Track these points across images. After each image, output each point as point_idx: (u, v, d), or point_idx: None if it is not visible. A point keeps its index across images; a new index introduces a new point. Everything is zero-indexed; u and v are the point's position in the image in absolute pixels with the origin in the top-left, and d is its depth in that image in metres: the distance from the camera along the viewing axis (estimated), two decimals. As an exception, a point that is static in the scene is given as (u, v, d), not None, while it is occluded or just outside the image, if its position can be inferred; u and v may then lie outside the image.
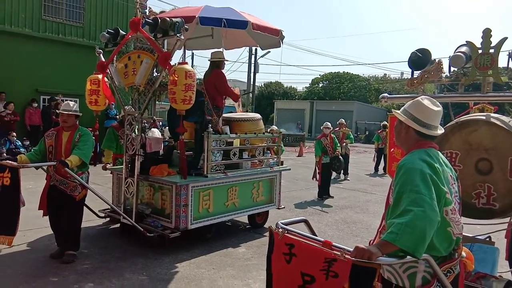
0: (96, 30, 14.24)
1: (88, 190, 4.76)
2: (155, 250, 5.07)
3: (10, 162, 4.49)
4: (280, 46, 6.79)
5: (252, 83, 26.19)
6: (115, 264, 4.64)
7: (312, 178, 9.32)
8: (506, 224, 3.61)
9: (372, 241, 2.68)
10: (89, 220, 5.84)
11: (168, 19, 4.78)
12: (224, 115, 6.31)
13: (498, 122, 3.23)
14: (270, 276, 2.28)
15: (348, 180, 12.16)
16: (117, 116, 11.54)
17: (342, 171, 12.09)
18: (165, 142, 6.22)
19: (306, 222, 2.59)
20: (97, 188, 5.58)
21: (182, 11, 5.94)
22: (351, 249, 1.90)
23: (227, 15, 5.56)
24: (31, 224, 5.49)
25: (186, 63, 5.01)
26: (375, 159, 14.12)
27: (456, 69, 3.62)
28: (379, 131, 14.47)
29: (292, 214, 7.45)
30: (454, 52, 3.55)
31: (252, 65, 25.49)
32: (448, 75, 3.76)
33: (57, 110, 10.05)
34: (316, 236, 2.25)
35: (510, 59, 3.50)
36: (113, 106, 13.08)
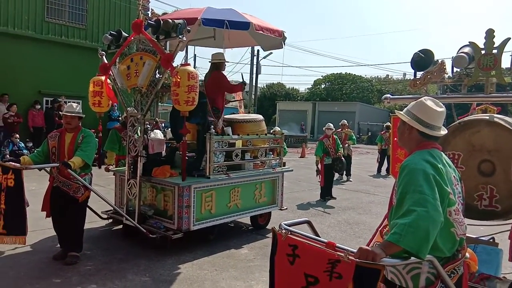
0: (99, 32, 14.29)
1: (91, 191, 4.77)
2: (157, 252, 5.07)
3: (13, 163, 4.51)
4: (282, 47, 6.79)
5: (254, 84, 26.22)
6: (118, 266, 4.64)
7: (317, 175, 9.28)
8: (509, 225, 3.59)
9: (370, 239, 2.67)
10: (92, 222, 5.84)
11: (170, 20, 4.79)
12: (227, 116, 6.32)
13: (502, 123, 3.22)
14: (273, 277, 2.28)
15: (351, 181, 12.14)
16: (120, 118, 11.56)
17: (344, 172, 12.07)
18: (168, 143, 6.23)
19: (309, 223, 2.59)
20: (100, 190, 5.60)
21: (184, 13, 5.95)
22: (355, 250, 1.90)
23: (229, 17, 5.57)
24: (34, 225, 5.49)
25: (189, 64, 5.01)
26: (379, 160, 14.10)
27: (459, 69, 3.61)
28: (382, 132, 14.44)
29: (295, 215, 7.44)
30: (457, 53, 3.54)
31: (254, 66, 25.52)
32: (451, 75, 3.75)
33: (60, 112, 10.09)
34: (319, 237, 2.25)
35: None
36: (116, 107, 13.11)
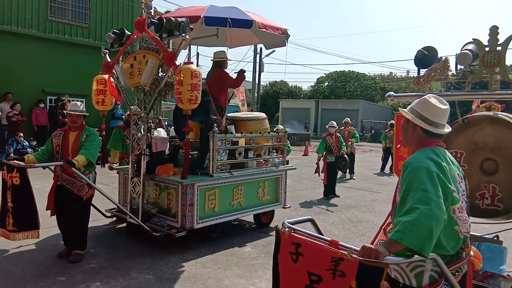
0: (102, 31, 14.30)
1: (95, 189, 4.79)
2: (161, 250, 5.08)
3: (17, 162, 4.54)
4: (285, 45, 6.77)
5: (257, 82, 26.19)
6: (122, 264, 4.66)
7: (315, 173, 9.27)
8: (514, 223, 3.58)
9: (374, 237, 2.67)
10: (96, 220, 5.87)
11: (173, 19, 4.78)
12: (229, 114, 6.32)
13: (505, 120, 3.20)
14: (276, 276, 2.28)
15: (354, 179, 12.13)
16: (123, 116, 11.60)
17: (348, 170, 12.06)
18: (171, 141, 6.24)
19: (312, 221, 2.59)
20: (104, 188, 5.61)
21: (187, 11, 5.95)
22: (358, 248, 1.90)
23: (232, 15, 5.56)
24: (38, 223, 5.53)
25: (192, 62, 5.02)
26: (383, 158, 14.06)
27: (463, 67, 3.59)
28: (386, 130, 14.40)
29: (298, 214, 7.44)
30: (460, 50, 3.53)
31: (257, 64, 25.48)
32: (455, 73, 3.73)
33: (64, 111, 10.12)
34: (323, 235, 2.25)
35: (517, 56, 3.47)
36: (119, 106, 13.14)
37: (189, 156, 5.21)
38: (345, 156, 9.12)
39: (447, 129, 2.31)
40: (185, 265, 4.72)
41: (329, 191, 9.10)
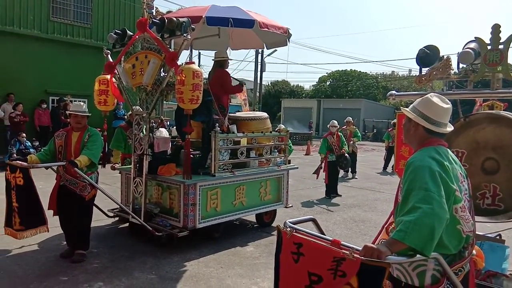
0: (104, 31, 14.32)
1: (98, 190, 4.80)
2: (163, 249, 5.09)
3: (20, 162, 4.56)
4: (287, 45, 6.78)
5: (259, 81, 26.17)
6: (124, 263, 4.67)
7: (313, 173, 9.27)
8: (516, 222, 3.57)
9: (376, 236, 2.66)
10: (98, 220, 5.88)
11: (174, 19, 4.79)
12: (231, 114, 6.32)
13: (508, 118, 3.19)
14: (278, 276, 2.28)
15: (356, 178, 12.11)
16: (125, 116, 11.61)
17: (350, 169, 12.05)
18: (173, 141, 6.25)
19: (314, 221, 2.59)
20: (106, 188, 5.63)
21: (188, 11, 5.95)
22: (360, 248, 1.90)
23: (233, 15, 5.57)
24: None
25: (193, 62, 5.02)
26: (385, 158, 14.03)
27: (464, 65, 3.58)
28: (389, 130, 14.37)
29: (300, 213, 7.44)
30: (462, 49, 3.52)
31: (259, 63, 25.46)
32: (457, 71, 3.72)
33: (66, 111, 10.14)
34: (325, 235, 2.25)
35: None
36: (121, 106, 13.16)
37: (190, 156, 5.22)
38: (346, 155, 9.10)
39: (450, 128, 2.30)
40: (188, 264, 4.73)
41: (331, 191, 9.09)
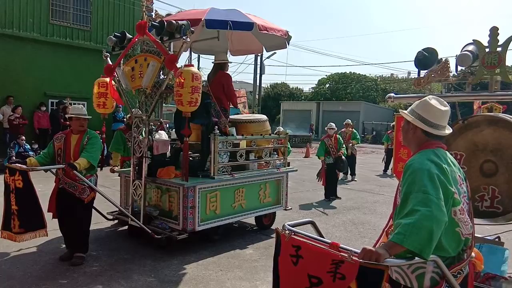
0: (103, 34, 14.34)
1: (97, 192, 4.80)
2: (163, 252, 5.09)
3: (19, 165, 4.56)
4: (286, 47, 6.80)
5: (258, 84, 26.15)
6: (124, 266, 4.67)
7: (317, 177, 9.27)
8: (515, 224, 3.57)
9: (377, 240, 2.66)
10: (97, 223, 5.88)
11: (174, 22, 4.80)
12: (231, 116, 6.33)
13: (506, 120, 3.20)
14: (276, 278, 2.28)
15: (355, 181, 12.11)
16: (125, 119, 11.62)
17: (349, 172, 12.05)
18: (172, 144, 6.24)
19: (313, 223, 2.58)
20: (105, 191, 5.63)
21: (188, 14, 5.97)
22: (358, 251, 1.90)
23: (233, 17, 5.58)
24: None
25: (192, 65, 5.03)
26: (385, 160, 14.03)
27: (463, 68, 3.59)
28: (388, 132, 14.38)
29: (299, 216, 7.44)
30: (461, 51, 3.53)
31: (258, 66, 25.47)
32: (456, 74, 3.73)
33: (66, 115, 10.14)
34: (323, 237, 2.25)
35: (517, 57, 3.47)
36: (121, 109, 13.16)
37: (189, 158, 5.22)
38: (342, 157, 9.07)
39: (448, 130, 2.30)
40: (187, 267, 4.72)
41: (330, 193, 9.08)
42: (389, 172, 13.65)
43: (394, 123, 13.76)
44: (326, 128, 9.51)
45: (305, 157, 18.96)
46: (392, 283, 2.22)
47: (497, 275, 3.04)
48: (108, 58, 5.62)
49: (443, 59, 3.63)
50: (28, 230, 4.56)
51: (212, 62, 6.16)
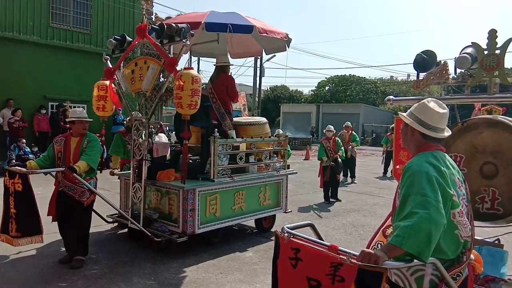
0: (103, 37, 14.37)
1: (96, 195, 4.80)
2: (162, 255, 5.08)
3: (19, 168, 4.57)
4: (286, 50, 6.81)
5: (258, 87, 26.18)
6: (123, 269, 4.66)
7: (318, 176, 9.24)
8: (515, 226, 3.57)
9: (371, 238, 2.67)
10: (97, 226, 5.87)
11: (174, 25, 4.81)
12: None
13: (505, 122, 3.20)
14: (276, 281, 2.28)
15: (355, 183, 12.10)
16: (125, 122, 11.64)
17: (349, 174, 12.05)
18: (172, 147, 6.25)
19: (312, 226, 2.59)
20: (105, 194, 5.63)
21: (187, 17, 5.98)
22: (357, 253, 1.90)
23: (232, 20, 5.60)
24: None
25: (192, 68, 5.04)
26: (384, 162, 14.03)
27: (462, 70, 3.60)
28: (388, 134, 14.40)
29: (299, 218, 7.43)
30: (459, 54, 3.54)
31: (258, 69, 25.51)
32: (455, 76, 3.74)
33: (66, 118, 10.15)
34: (323, 240, 2.25)
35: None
36: (121, 111, 13.17)
37: (188, 161, 5.22)
38: (339, 159, 9.05)
39: (447, 132, 2.31)
40: (187, 270, 4.72)
41: (331, 195, 9.07)
42: (388, 174, 13.66)
43: (393, 125, 13.73)
44: (324, 131, 9.52)
45: (305, 159, 18.96)
46: (391, 285, 2.22)
47: (497, 278, 3.04)
48: (108, 61, 5.63)
49: (442, 62, 3.64)
50: (24, 234, 4.54)
51: (214, 65, 6.18)
